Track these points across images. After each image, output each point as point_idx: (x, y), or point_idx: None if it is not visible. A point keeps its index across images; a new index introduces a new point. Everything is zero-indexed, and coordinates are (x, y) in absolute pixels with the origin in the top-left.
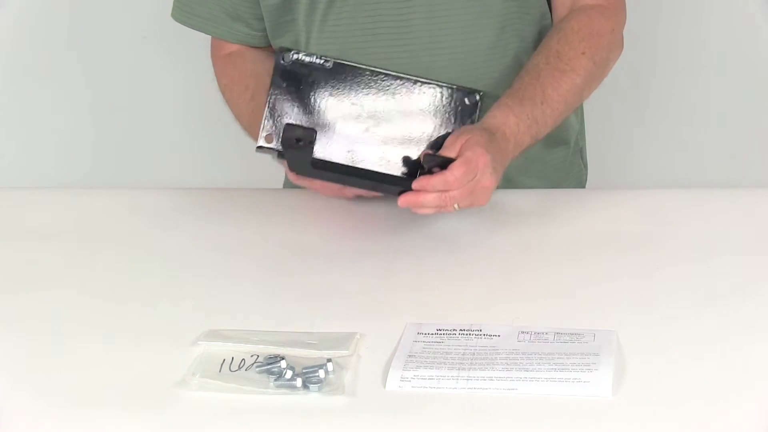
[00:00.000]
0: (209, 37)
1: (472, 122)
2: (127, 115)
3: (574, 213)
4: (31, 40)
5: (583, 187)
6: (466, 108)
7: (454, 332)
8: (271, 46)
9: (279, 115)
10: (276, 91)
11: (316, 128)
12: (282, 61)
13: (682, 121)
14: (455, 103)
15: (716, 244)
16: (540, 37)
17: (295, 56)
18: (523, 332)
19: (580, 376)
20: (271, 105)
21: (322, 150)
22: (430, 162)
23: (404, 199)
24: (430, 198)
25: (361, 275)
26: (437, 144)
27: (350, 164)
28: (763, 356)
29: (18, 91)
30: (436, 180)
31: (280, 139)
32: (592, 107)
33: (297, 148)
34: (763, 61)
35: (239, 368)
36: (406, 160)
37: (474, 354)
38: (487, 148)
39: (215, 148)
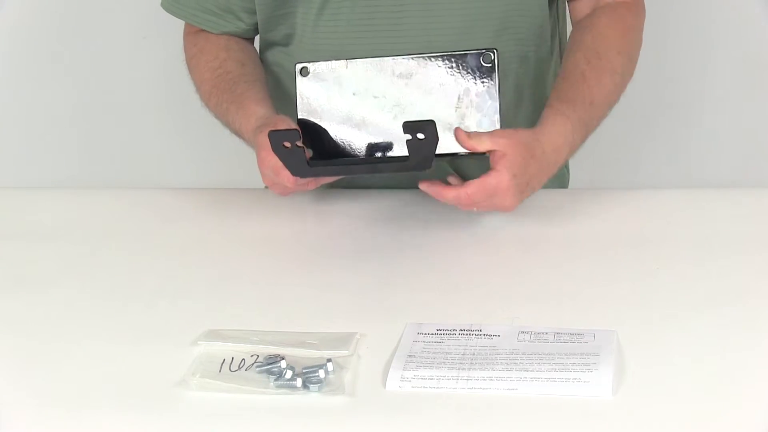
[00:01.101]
0: None
1: (493, 83)
2: (128, 115)
3: (574, 213)
4: (31, 40)
5: (566, 188)
6: (484, 70)
7: (454, 332)
8: (252, 40)
9: (310, 128)
10: (302, 105)
11: (346, 127)
12: (302, 75)
13: (683, 121)
14: (472, 68)
15: (716, 244)
16: (539, 42)
17: (313, 68)
18: (523, 332)
19: (580, 376)
20: (301, 120)
21: (355, 147)
22: (410, 129)
23: (425, 186)
24: (449, 197)
25: (361, 275)
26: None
27: (345, 155)
28: (763, 356)
29: (18, 91)
30: (449, 194)
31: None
32: None
33: (289, 152)
34: (763, 61)
35: (239, 368)
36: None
37: (474, 354)
38: (515, 174)
39: (215, 148)
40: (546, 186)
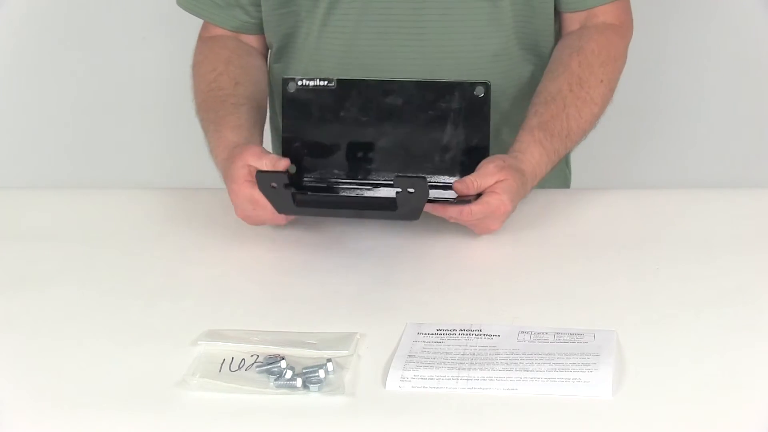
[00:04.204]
0: None
1: (484, 116)
2: (127, 115)
3: (574, 213)
4: (31, 40)
5: (568, 188)
6: (476, 101)
7: (454, 332)
8: (263, 34)
9: (296, 145)
10: (288, 122)
11: (331, 147)
12: (287, 90)
13: (682, 121)
14: (464, 99)
15: (716, 244)
16: (541, 48)
17: (300, 83)
18: (523, 332)
19: (580, 376)
20: (286, 137)
21: (338, 170)
22: (401, 184)
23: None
24: (451, 213)
25: (361, 275)
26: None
27: (334, 195)
28: (763, 356)
29: (18, 91)
30: (452, 210)
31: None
32: None
33: (276, 192)
34: (764, 60)
35: (239, 368)
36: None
37: (474, 354)
38: (512, 200)
39: None
40: (547, 185)
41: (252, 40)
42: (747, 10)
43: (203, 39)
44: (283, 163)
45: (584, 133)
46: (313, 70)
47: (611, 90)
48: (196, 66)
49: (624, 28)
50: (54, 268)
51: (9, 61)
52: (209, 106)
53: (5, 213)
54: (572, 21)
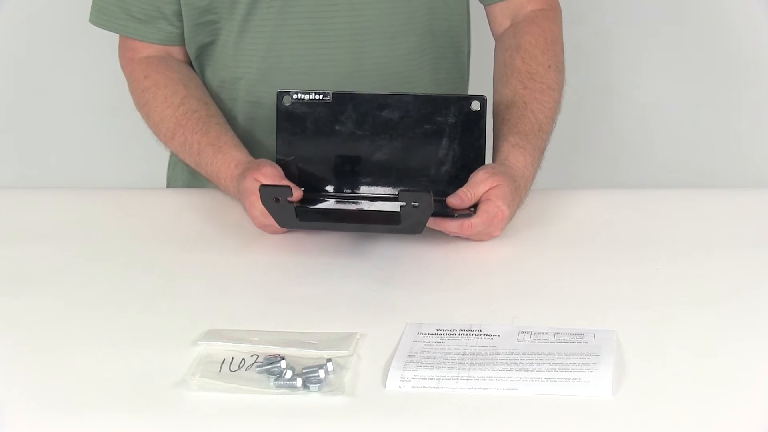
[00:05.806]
0: None
1: (480, 130)
2: (125, 114)
3: (574, 213)
4: (31, 40)
5: None
6: (472, 115)
7: (454, 332)
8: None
9: (290, 159)
10: (283, 135)
11: (327, 161)
12: (282, 104)
13: (683, 121)
14: (460, 113)
15: (716, 244)
16: (459, 43)
17: (295, 96)
18: (523, 332)
19: (580, 376)
20: (281, 148)
21: (333, 184)
22: (406, 198)
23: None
24: (452, 228)
25: (361, 275)
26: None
27: (336, 208)
28: (763, 356)
29: (19, 91)
30: (452, 225)
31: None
32: (591, 106)
33: (279, 206)
34: (764, 60)
35: (239, 368)
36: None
37: (474, 354)
38: (509, 205)
39: None
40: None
41: (179, 52)
42: (747, 11)
43: (137, 61)
44: (297, 193)
45: (553, 121)
46: (229, 77)
47: (561, 72)
48: (147, 91)
49: (553, 10)
50: (54, 268)
51: (9, 60)
52: (191, 128)
53: (5, 213)
54: (501, 16)
